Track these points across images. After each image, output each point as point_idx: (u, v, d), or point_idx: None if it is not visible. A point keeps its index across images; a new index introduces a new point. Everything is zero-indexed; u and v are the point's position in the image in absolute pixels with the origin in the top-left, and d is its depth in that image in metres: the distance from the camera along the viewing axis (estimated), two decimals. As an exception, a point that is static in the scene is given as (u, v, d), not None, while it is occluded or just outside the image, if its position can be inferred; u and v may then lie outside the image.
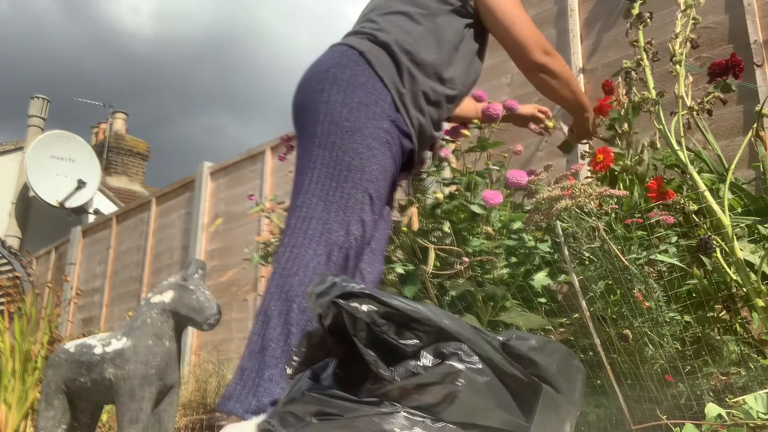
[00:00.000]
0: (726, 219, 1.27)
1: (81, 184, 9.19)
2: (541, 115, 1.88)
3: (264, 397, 1.20)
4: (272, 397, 1.21)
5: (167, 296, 1.52)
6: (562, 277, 1.63)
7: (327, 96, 1.37)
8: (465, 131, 1.83)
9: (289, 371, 0.82)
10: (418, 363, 0.72)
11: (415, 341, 0.73)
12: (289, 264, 1.28)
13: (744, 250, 1.29)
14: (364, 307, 0.71)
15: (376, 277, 1.51)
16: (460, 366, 0.71)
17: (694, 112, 1.37)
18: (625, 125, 1.65)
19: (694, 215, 1.34)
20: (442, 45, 1.47)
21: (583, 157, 1.89)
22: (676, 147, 1.34)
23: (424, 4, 1.49)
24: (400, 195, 1.70)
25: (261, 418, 1.11)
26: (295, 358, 0.82)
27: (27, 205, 9.69)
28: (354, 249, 1.31)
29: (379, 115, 1.36)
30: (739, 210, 1.42)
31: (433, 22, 1.47)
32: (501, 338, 0.78)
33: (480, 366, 0.73)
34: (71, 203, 9.15)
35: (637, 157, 1.61)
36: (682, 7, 1.40)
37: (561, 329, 1.57)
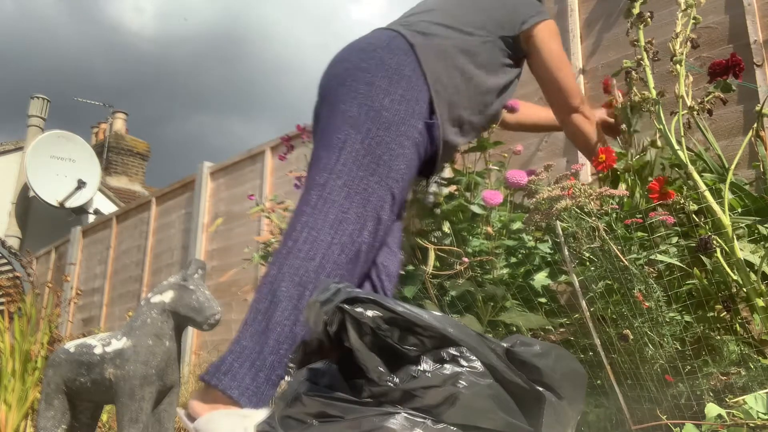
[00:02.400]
0: (726, 219, 1.27)
1: (81, 184, 9.18)
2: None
3: (264, 385, 1.16)
4: (272, 386, 1.17)
5: (167, 296, 1.52)
6: (563, 278, 1.63)
7: (371, 77, 1.31)
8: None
9: (288, 379, 0.82)
10: (419, 367, 0.72)
11: (418, 346, 0.73)
12: (307, 246, 1.23)
13: (744, 250, 1.29)
14: (370, 313, 0.71)
15: (394, 271, 1.49)
16: (460, 368, 0.72)
17: (695, 112, 1.37)
18: (623, 125, 1.65)
19: (694, 215, 1.34)
20: (490, 68, 1.48)
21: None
22: (677, 147, 1.34)
23: (481, 24, 1.47)
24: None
25: (257, 415, 1.08)
26: (291, 365, 0.82)
27: (27, 205, 9.68)
28: (366, 245, 1.27)
29: (418, 114, 1.32)
30: (740, 210, 1.42)
31: (488, 44, 1.47)
32: (506, 345, 0.78)
33: (481, 369, 0.73)
34: (71, 203, 9.15)
35: (638, 156, 1.61)
36: (683, 7, 1.40)
37: (561, 329, 1.57)
